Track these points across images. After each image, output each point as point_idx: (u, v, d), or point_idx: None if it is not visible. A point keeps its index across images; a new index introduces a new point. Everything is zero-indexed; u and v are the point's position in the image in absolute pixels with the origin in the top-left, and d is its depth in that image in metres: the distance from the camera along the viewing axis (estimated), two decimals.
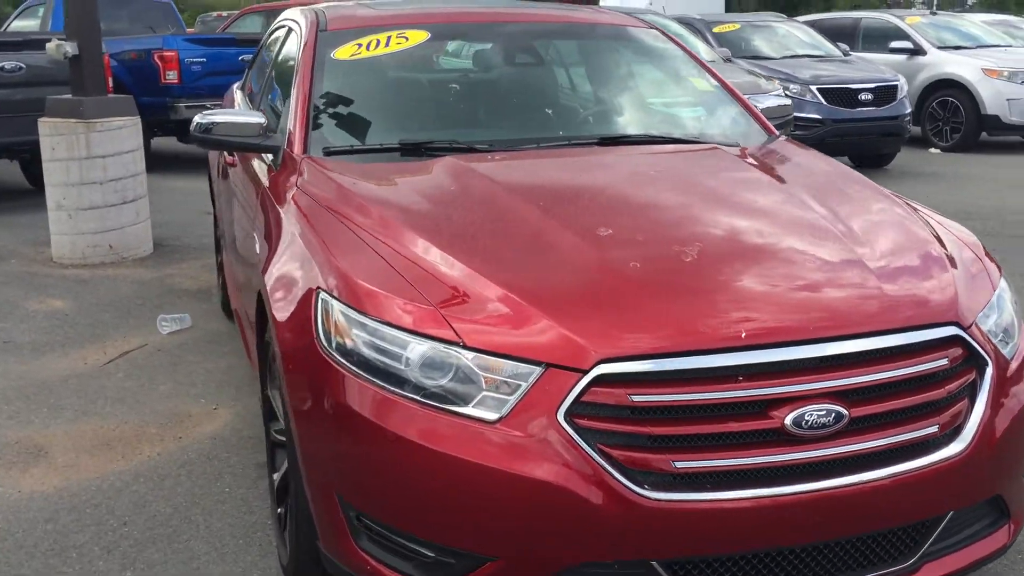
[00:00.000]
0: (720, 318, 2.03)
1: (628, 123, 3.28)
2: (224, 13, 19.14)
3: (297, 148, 3.00)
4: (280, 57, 3.88)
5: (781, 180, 2.82)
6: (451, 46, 3.57)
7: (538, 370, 1.98)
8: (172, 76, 10.18)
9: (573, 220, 2.43)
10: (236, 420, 3.86)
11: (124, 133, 6.37)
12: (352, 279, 2.24)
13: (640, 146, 3.09)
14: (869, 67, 10.62)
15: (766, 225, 2.48)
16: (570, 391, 1.95)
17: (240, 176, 3.68)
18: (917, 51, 12.07)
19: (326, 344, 2.20)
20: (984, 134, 11.63)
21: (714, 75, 3.48)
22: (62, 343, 4.79)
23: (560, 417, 1.95)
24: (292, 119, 3.10)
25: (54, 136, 6.20)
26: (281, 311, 2.41)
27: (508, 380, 2.00)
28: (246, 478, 3.37)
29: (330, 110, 3.10)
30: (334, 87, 3.20)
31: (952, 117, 11.57)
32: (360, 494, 2.13)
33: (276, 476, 2.83)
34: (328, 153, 3.01)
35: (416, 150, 2.99)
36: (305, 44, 3.34)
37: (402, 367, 2.08)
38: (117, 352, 4.65)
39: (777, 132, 3.37)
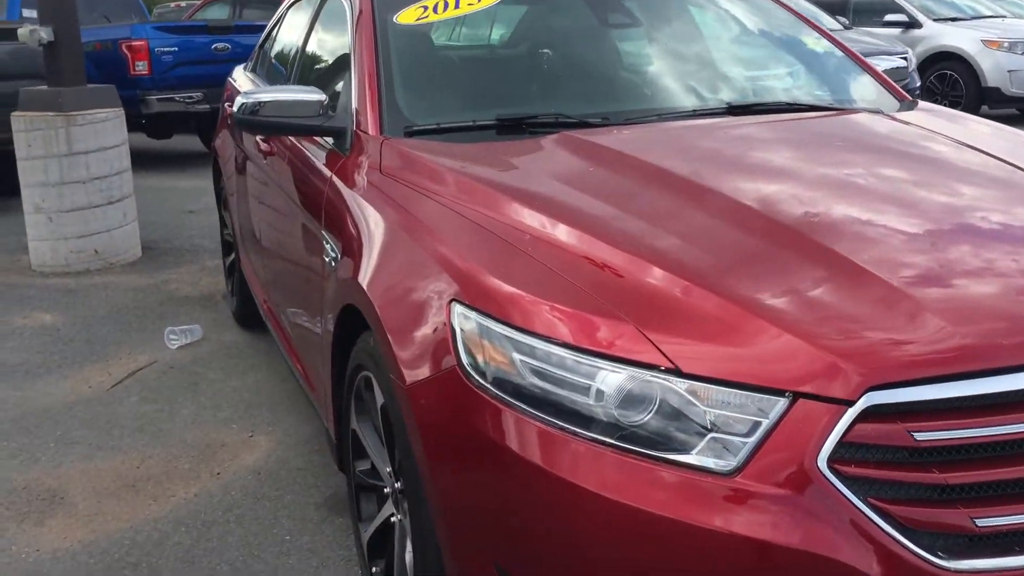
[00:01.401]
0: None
1: (755, 89, 2.80)
2: (183, 3, 18.30)
3: (372, 128, 2.49)
4: (317, 30, 3.35)
5: (974, 147, 2.37)
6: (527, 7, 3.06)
7: (782, 402, 1.50)
8: (142, 67, 9.53)
9: (769, 204, 1.95)
10: (279, 449, 3.33)
11: (108, 126, 5.77)
12: (502, 286, 1.74)
13: (779, 114, 2.62)
14: (875, 41, 10.27)
15: (1008, 200, 2.02)
16: (832, 429, 1.47)
17: (280, 167, 3.14)
18: (912, 24, 11.76)
19: (473, 372, 1.71)
20: (984, 107, 11.35)
21: (833, 39, 3.02)
22: (59, 364, 4.22)
23: (820, 464, 1.47)
24: (358, 96, 2.58)
25: (30, 132, 5.58)
26: (400, 331, 1.90)
27: (742, 417, 1.52)
28: (307, 522, 2.85)
29: (403, 84, 2.59)
30: (403, 57, 2.69)
31: (951, 91, 11.28)
32: (531, 566, 1.64)
33: (368, 529, 2.32)
34: (410, 133, 2.50)
35: (516, 127, 2.49)
36: (361, 11, 2.81)
37: (590, 402, 1.59)
38: (124, 372, 4.09)
39: (909, 97, 2.92)
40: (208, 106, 9.64)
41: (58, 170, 5.60)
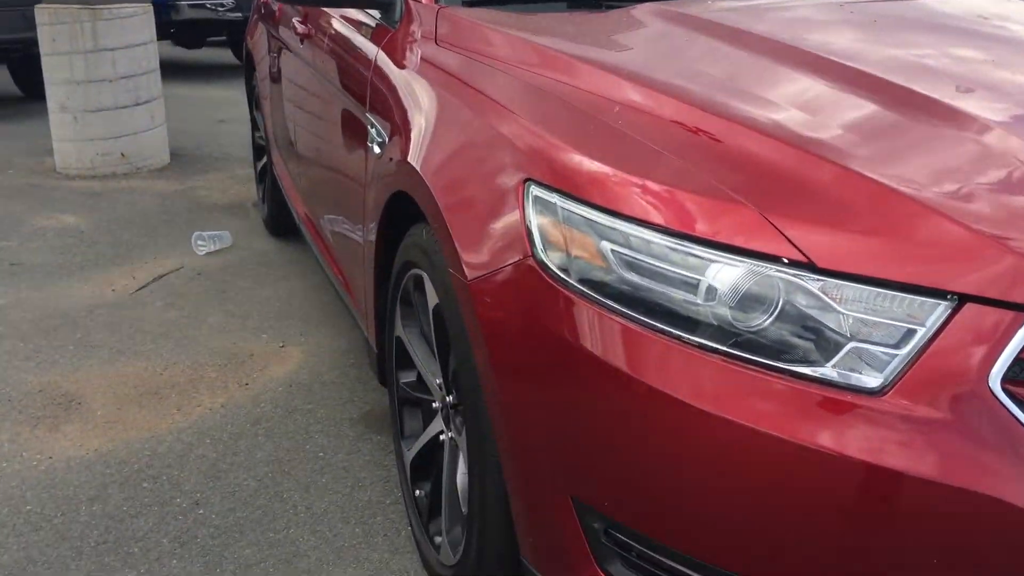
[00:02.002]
0: None
1: None
2: None
3: None
4: None
5: None
6: None
7: (944, 307, 1.21)
8: None
9: (901, 74, 1.62)
10: (311, 361, 3.09)
11: (136, 22, 5.45)
12: (587, 162, 1.44)
13: None
14: None
15: None
16: (1008, 342, 1.18)
17: (319, 51, 2.83)
18: None
19: (551, 265, 1.42)
20: None
21: None
22: (81, 265, 3.98)
23: (992, 384, 1.18)
24: None
25: (54, 25, 5.28)
26: (461, 218, 1.62)
27: (891, 324, 1.22)
28: (342, 438, 2.61)
29: None
30: None
31: None
32: (616, 497, 1.37)
33: (413, 448, 2.07)
34: (468, 2, 2.18)
35: None
36: None
37: (697, 301, 1.30)
38: (149, 276, 3.85)
39: None
40: (240, 14, 9.28)
41: (83, 67, 5.31)
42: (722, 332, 1.29)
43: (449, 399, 1.87)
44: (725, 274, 1.29)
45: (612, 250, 1.37)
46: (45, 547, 2.13)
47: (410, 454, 2.10)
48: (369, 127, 2.19)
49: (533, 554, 1.54)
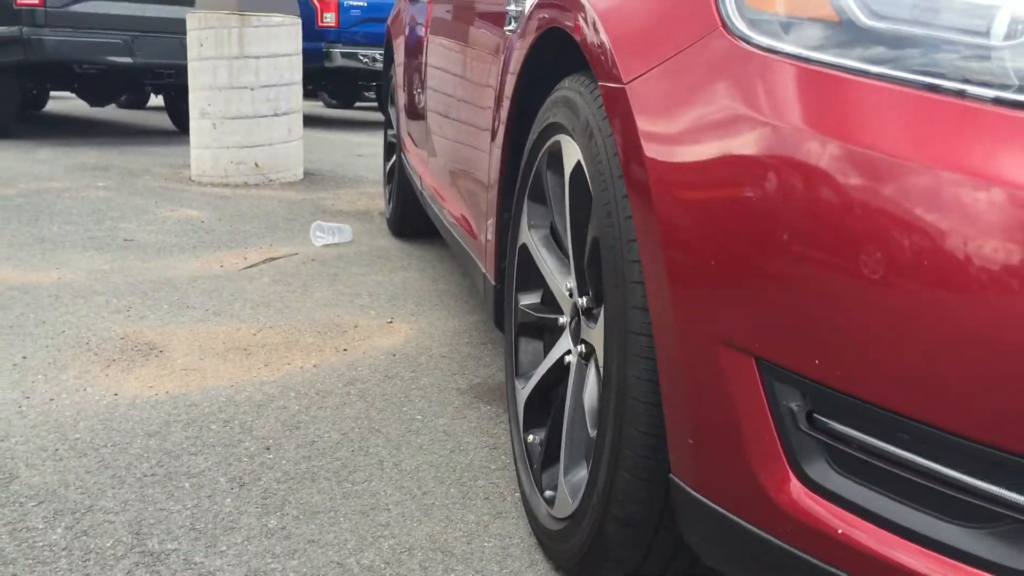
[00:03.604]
0: None
1: None
2: None
3: None
4: None
5: None
6: None
7: None
8: (330, 19, 9.32)
9: None
10: (421, 336, 2.70)
11: (282, 32, 5.39)
12: None
13: None
14: None
15: None
16: None
17: None
18: None
19: (755, 32, 0.99)
20: None
21: None
22: (194, 246, 3.76)
23: None
24: None
25: (203, 30, 5.26)
26: (615, 10, 1.21)
27: None
28: (445, 405, 2.19)
29: None
30: None
31: None
32: (835, 349, 0.90)
33: (527, 387, 1.64)
34: None
35: None
36: None
37: (989, 44, 0.84)
38: (260, 258, 3.58)
39: None
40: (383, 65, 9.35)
41: (227, 73, 5.25)
42: None
43: (582, 301, 1.43)
44: None
45: None
46: (84, 473, 1.78)
47: (525, 392, 1.66)
48: (507, 3, 1.83)
49: (691, 467, 1.08)
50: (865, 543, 0.90)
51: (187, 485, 1.75)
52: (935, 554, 0.87)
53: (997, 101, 0.83)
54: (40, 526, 1.57)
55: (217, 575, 1.46)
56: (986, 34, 0.86)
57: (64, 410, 2.07)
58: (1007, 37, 0.84)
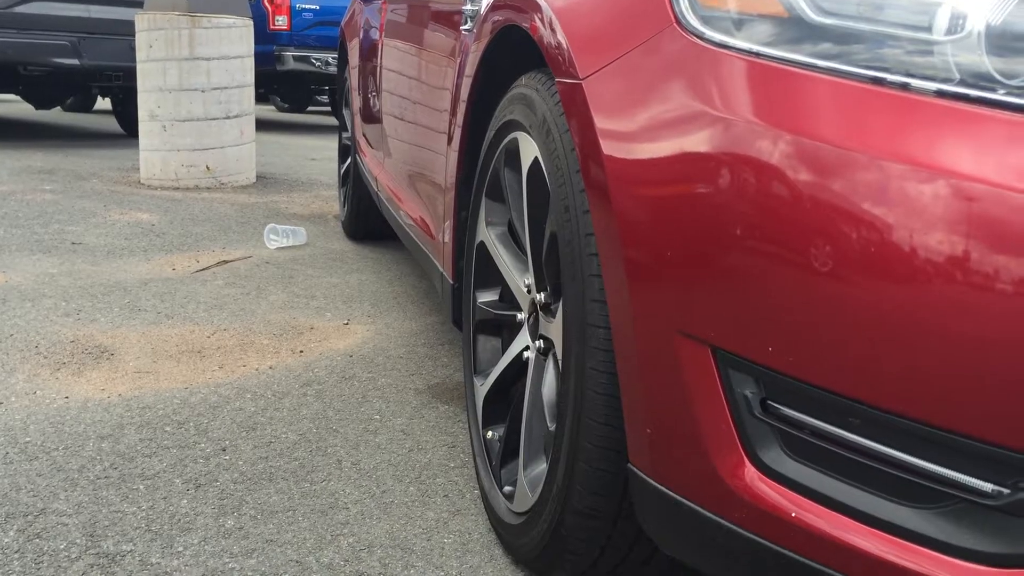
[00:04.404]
0: None
1: None
2: None
3: None
4: None
5: None
6: None
7: None
8: (282, 22, 9.25)
9: None
10: (378, 338, 2.70)
11: (234, 34, 5.34)
12: None
13: None
14: None
15: None
16: None
17: None
18: None
19: (707, 27, 1.01)
20: None
21: None
22: (144, 249, 3.71)
23: None
24: None
25: (152, 31, 5.20)
26: (571, 7, 1.23)
27: None
28: (403, 405, 2.19)
29: None
30: None
31: None
32: (789, 335, 0.92)
33: (486, 383, 1.65)
34: None
35: None
36: None
37: (931, 38, 0.87)
38: (213, 261, 3.55)
39: None
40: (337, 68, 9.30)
41: (177, 75, 5.19)
42: (978, 80, 0.86)
43: (540, 297, 1.45)
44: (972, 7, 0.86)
45: None
46: (35, 476, 1.75)
47: (484, 388, 1.68)
48: (463, 3, 1.84)
49: (649, 456, 1.09)
50: (817, 525, 0.93)
51: (142, 487, 1.73)
52: (885, 534, 0.89)
53: (940, 94, 0.86)
54: None
55: (174, 575, 1.45)
56: (928, 29, 0.89)
57: (13, 413, 2.04)
58: (948, 32, 0.87)
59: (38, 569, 1.44)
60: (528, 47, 1.47)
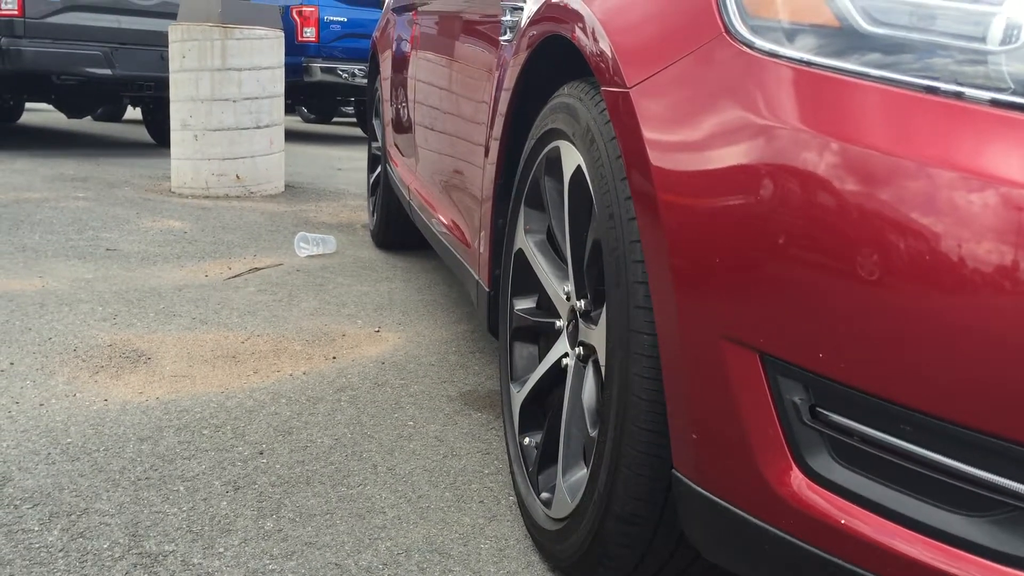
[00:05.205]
0: None
1: None
2: None
3: None
4: None
5: None
6: None
7: None
8: (309, 34, 9.34)
9: None
10: (410, 345, 2.72)
11: (265, 45, 5.40)
12: None
13: None
14: None
15: None
16: None
17: None
18: None
19: (757, 36, 1.02)
20: None
21: None
22: (177, 256, 3.76)
23: None
24: None
25: (185, 42, 5.27)
26: (617, 16, 1.25)
27: None
28: (436, 412, 2.21)
29: None
30: None
31: None
32: (837, 342, 0.93)
33: (523, 390, 1.66)
34: None
35: None
36: None
37: (986, 48, 0.88)
38: (245, 268, 3.59)
39: None
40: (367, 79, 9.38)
41: (209, 85, 5.25)
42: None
43: (580, 304, 1.46)
44: None
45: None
46: (77, 476, 1.78)
47: (521, 395, 1.69)
48: (503, 14, 1.86)
49: (694, 462, 1.10)
50: (867, 532, 0.93)
51: (182, 488, 1.75)
52: (936, 542, 0.90)
53: (994, 103, 0.87)
54: (36, 528, 1.57)
55: None
56: (982, 39, 0.89)
57: (55, 415, 2.07)
58: (1003, 42, 0.88)
59: (82, 568, 1.46)
60: (570, 58, 1.49)
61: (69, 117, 9.32)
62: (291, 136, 9.27)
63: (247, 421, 2.09)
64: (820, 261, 0.93)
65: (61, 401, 2.15)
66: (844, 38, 0.97)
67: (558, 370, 1.56)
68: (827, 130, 0.95)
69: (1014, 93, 0.86)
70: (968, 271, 0.85)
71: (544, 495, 1.55)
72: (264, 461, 1.89)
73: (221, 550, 1.54)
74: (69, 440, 1.94)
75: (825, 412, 0.96)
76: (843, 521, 0.94)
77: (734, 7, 1.06)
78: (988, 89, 0.87)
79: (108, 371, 2.37)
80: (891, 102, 0.92)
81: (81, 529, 1.57)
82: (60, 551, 1.50)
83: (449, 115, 2.53)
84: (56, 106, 8.61)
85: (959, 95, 0.88)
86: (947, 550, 0.89)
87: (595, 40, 1.31)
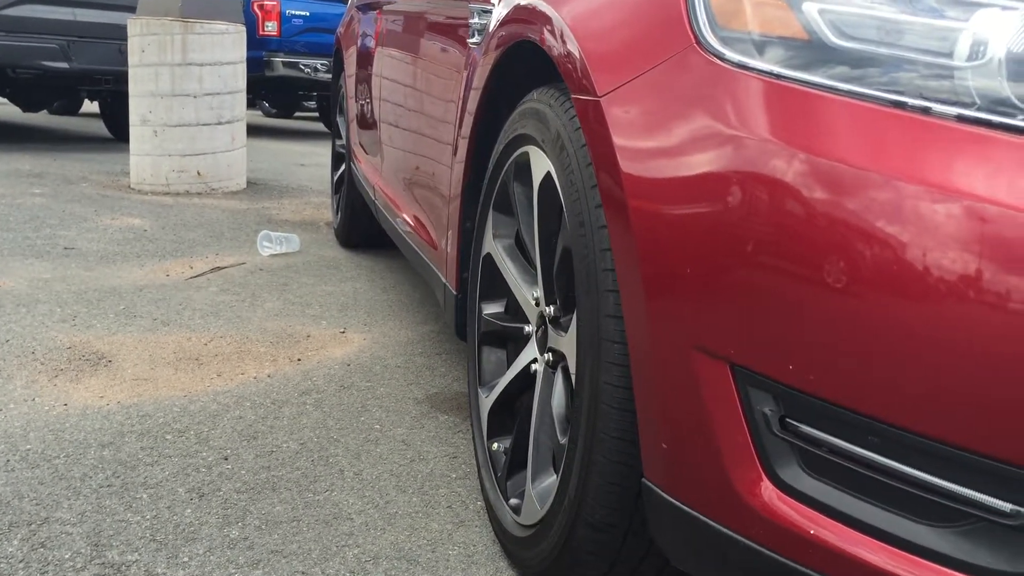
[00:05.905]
0: None
1: None
2: None
3: None
4: None
5: None
6: None
7: None
8: (271, 28, 9.24)
9: None
10: (375, 347, 2.70)
11: (226, 40, 5.33)
12: None
13: None
14: None
15: None
16: None
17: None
18: None
19: (727, 47, 1.03)
20: None
21: None
22: (138, 255, 3.70)
23: None
24: None
25: (144, 36, 5.19)
26: (587, 23, 1.24)
27: None
28: (403, 415, 2.20)
29: None
30: None
31: None
32: (809, 354, 0.94)
33: (491, 395, 1.65)
34: None
35: None
36: None
37: (952, 64, 0.89)
38: (207, 267, 3.54)
39: None
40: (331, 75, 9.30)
41: (169, 80, 5.18)
42: (998, 105, 0.87)
43: (549, 310, 1.46)
44: (1003, 21, 0.88)
45: (820, 10, 0.97)
46: (37, 484, 1.74)
47: (489, 400, 1.68)
48: (470, 17, 1.85)
49: (664, 470, 1.10)
50: (835, 543, 0.94)
51: (145, 496, 1.73)
52: (903, 553, 0.91)
53: (960, 119, 0.88)
54: None
55: None
56: (949, 55, 0.90)
57: (13, 420, 2.03)
58: (970, 58, 0.89)
59: None
60: (539, 62, 1.49)
61: (24, 111, 9.14)
62: (253, 131, 9.17)
63: (211, 426, 2.07)
64: (788, 270, 0.94)
65: (20, 406, 2.11)
66: (813, 51, 0.98)
67: (527, 375, 1.56)
68: (795, 142, 0.95)
69: (980, 109, 0.87)
70: (933, 282, 0.86)
71: (513, 501, 1.55)
72: (229, 467, 1.87)
73: (185, 559, 1.52)
74: (28, 447, 1.91)
75: (795, 423, 0.97)
76: (812, 531, 0.95)
77: (704, 18, 1.07)
78: (955, 104, 0.88)
79: (68, 374, 2.33)
80: (859, 115, 0.93)
81: (42, 539, 1.55)
82: (20, 562, 1.47)
83: (416, 113, 2.52)
84: (11, 100, 8.45)
85: (926, 110, 0.89)
86: (915, 560, 0.90)
87: (565, 47, 1.31)
